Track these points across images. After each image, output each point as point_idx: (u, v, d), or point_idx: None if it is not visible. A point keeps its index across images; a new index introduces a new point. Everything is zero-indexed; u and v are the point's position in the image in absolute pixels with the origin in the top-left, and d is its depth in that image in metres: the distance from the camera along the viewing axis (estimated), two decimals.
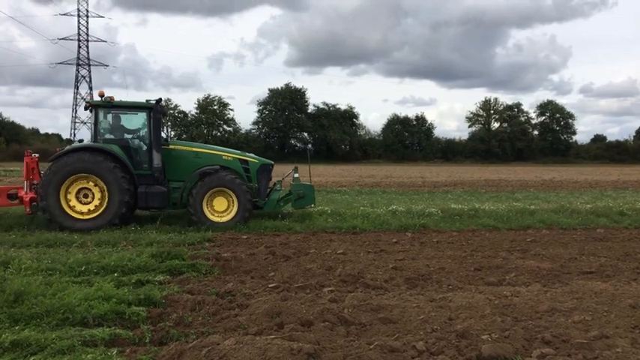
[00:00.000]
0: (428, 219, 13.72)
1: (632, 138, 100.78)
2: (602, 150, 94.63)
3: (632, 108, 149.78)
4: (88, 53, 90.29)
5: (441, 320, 5.55)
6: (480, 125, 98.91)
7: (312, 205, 14.39)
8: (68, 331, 5.09)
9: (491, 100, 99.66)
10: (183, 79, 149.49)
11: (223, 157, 13.52)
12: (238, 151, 14.48)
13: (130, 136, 13.13)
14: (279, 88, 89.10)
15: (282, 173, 15.47)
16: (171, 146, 13.27)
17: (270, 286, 7.06)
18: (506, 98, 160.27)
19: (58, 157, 11.95)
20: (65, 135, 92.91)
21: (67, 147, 12.61)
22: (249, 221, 12.73)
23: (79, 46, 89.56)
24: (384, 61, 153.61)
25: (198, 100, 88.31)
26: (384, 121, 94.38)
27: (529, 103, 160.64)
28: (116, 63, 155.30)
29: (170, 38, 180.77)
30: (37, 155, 12.94)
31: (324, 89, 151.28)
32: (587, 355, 4.65)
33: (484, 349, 4.69)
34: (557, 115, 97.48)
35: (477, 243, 10.95)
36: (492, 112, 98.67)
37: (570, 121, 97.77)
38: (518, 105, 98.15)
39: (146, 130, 12.97)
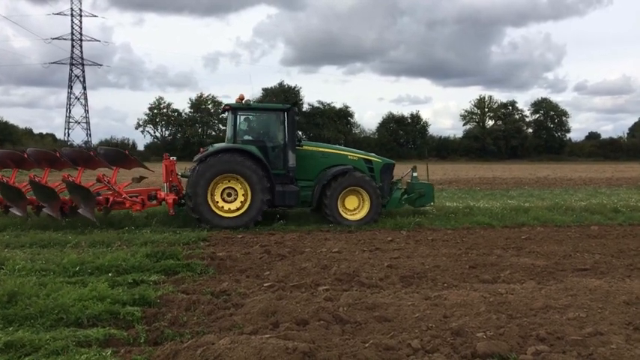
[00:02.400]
0: (423, 217, 13.75)
1: (626, 135, 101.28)
2: (596, 147, 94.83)
3: (626, 105, 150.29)
4: (81, 53, 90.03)
5: (436, 318, 5.56)
6: (475, 123, 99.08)
7: (432, 204, 14.82)
8: (62, 332, 5.07)
9: (486, 98, 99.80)
10: (179, 79, 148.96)
11: (349, 156, 14.03)
12: (362, 151, 14.91)
13: (266, 137, 13.68)
14: (273, 87, 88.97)
15: (401, 172, 15.64)
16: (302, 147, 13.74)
17: (265, 285, 7.05)
18: (501, 96, 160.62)
19: (204, 159, 12.45)
20: (59, 135, 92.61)
21: (212, 148, 13.11)
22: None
23: (73, 46, 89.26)
24: (379, 59, 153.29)
25: (191, 100, 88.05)
26: (380, 119, 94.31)
27: (524, 101, 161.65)
28: (111, 62, 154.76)
29: (166, 38, 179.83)
30: (174, 158, 13.45)
31: (320, 88, 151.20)
32: (582, 351, 4.66)
33: (479, 346, 4.70)
34: (552, 113, 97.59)
35: (471, 241, 10.97)
36: (487, 110, 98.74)
37: (564, 118, 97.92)
38: (512, 103, 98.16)
39: (281, 131, 13.44)
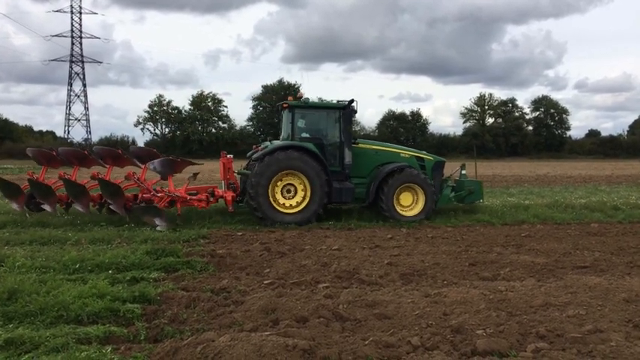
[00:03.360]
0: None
1: (626, 133, 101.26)
2: (596, 145, 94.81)
3: (626, 103, 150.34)
4: (81, 50, 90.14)
5: (435, 315, 5.56)
6: (475, 121, 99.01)
7: (481, 201, 14.97)
8: (62, 329, 5.06)
9: (486, 95, 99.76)
10: (180, 76, 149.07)
11: (401, 154, 14.32)
12: (413, 149, 15.10)
13: (322, 135, 13.84)
14: (272, 84, 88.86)
15: (450, 170, 15.69)
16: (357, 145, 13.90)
17: (265, 282, 7.05)
18: (501, 94, 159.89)
19: (264, 156, 12.64)
20: (59, 133, 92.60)
21: (271, 146, 13.23)
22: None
23: (73, 43, 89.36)
24: (380, 57, 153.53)
25: (192, 97, 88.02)
26: (380, 117, 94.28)
27: (524, 98, 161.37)
28: (112, 60, 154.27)
29: (167, 35, 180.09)
30: (231, 156, 13.63)
31: (321, 85, 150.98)
32: (582, 349, 4.67)
33: (479, 343, 4.71)
34: (552, 111, 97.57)
35: (471, 238, 10.97)
36: (487, 107, 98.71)
37: (565, 116, 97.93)
38: (512, 100, 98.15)
39: (337, 128, 13.63)
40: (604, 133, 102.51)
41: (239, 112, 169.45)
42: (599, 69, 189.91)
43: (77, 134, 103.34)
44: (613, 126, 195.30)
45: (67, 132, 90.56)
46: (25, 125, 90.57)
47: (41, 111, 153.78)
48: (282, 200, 12.77)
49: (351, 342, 4.79)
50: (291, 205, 12.78)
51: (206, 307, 5.94)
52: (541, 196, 19.17)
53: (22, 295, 5.80)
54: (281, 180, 12.75)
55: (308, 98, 13.79)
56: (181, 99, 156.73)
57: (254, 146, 14.39)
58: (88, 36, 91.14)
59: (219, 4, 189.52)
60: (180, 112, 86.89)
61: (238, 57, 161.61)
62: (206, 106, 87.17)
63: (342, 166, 13.42)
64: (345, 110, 13.52)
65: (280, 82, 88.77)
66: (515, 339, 4.91)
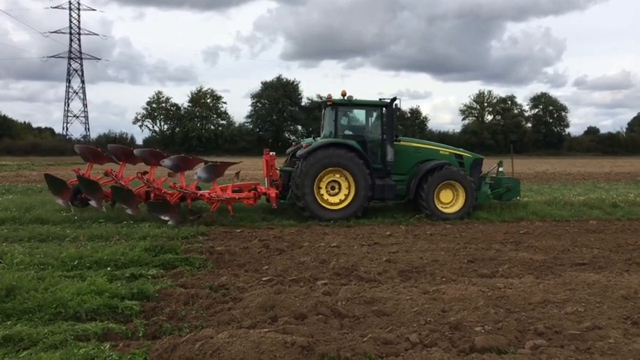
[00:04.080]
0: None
1: (625, 130, 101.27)
2: (595, 142, 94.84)
3: (625, 100, 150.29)
4: (79, 46, 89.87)
5: (434, 312, 5.56)
6: (474, 118, 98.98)
7: (518, 198, 15.11)
8: (60, 326, 5.06)
9: (485, 92, 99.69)
10: (179, 73, 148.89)
11: (440, 151, 14.52)
12: (452, 147, 15.24)
13: (365, 132, 14.08)
14: (272, 80, 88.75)
15: (488, 167, 15.83)
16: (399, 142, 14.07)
17: (263, 279, 7.05)
18: (500, 91, 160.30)
19: (310, 153, 12.85)
20: (58, 129, 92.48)
21: (316, 143, 13.37)
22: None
23: (71, 40, 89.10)
24: (380, 54, 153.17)
25: (191, 93, 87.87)
26: None
27: (524, 95, 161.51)
28: (111, 57, 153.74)
29: (166, 32, 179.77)
30: (274, 153, 13.81)
31: (320, 82, 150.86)
32: (580, 345, 4.67)
33: (477, 340, 4.71)
34: (551, 108, 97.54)
35: (470, 235, 10.98)
36: (486, 104, 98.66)
37: (563, 113, 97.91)
38: (511, 97, 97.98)
39: (379, 125, 13.86)
40: (603, 131, 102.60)
41: (238, 109, 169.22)
42: (598, 66, 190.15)
43: (75, 131, 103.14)
44: (612, 123, 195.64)
45: (65, 129, 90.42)
46: (24, 122, 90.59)
47: (40, 108, 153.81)
48: (326, 197, 13.00)
49: (350, 339, 4.79)
50: (334, 201, 13.00)
51: (204, 303, 5.94)
52: (540, 193, 19.19)
53: (21, 292, 5.79)
54: (326, 177, 12.97)
55: (352, 96, 13.94)
56: (180, 96, 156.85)
57: (293, 143, 14.61)
58: (87, 32, 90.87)
59: (218, 0, 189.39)
60: (178, 108, 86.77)
61: (237, 54, 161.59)
62: (205, 103, 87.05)
63: (383, 163, 13.61)
64: (388, 108, 13.65)
65: (279, 78, 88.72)
66: (513, 336, 4.91)
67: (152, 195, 12.68)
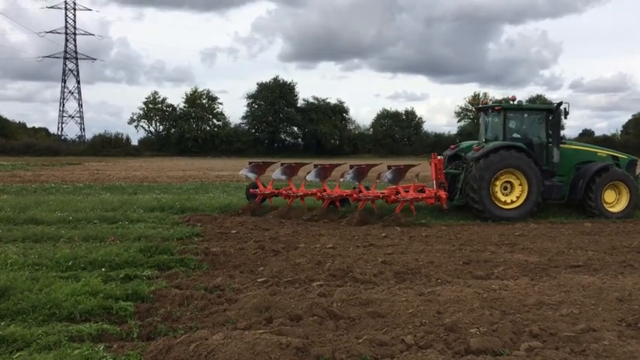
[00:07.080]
0: (418, 214, 13.74)
1: (620, 132, 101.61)
2: (590, 144, 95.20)
3: (620, 103, 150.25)
4: (75, 47, 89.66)
5: (429, 314, 5.56)
6: (469, 120, 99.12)
7: None
8: (55, 327, 5.04)
9: (481, 94, 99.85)
10: (176, 74, 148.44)
11: (598, 153, 15.01)
12: (606, 148, 15.81)
13: (531, 135, 14.47)
14: (268, 82, 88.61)
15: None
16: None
17: (259, 280, 7.03)
18: (497, 93, 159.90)
19: (486, 155, 13.35)
20: (53, 129, 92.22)
21: (490, 146, 13.76)
22: None
23: (67, 40, 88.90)
24: (377, 56, 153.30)
25: (186, 94, 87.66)
26: (375, 115, 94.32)
27: (520, 97, 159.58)
28: (108, 57, 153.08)
29: (164, 32, 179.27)
30: (442, 157, 14.65)
31: (317, 84, 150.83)
32: (575, 348, 4.68)
33: (472, 342, 4.71)
34: None
35: (465, 237, 10.98)
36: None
37: None
38: (507, 100, 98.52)
39: (544, 128, 14.35)
40: (598, 133, 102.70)
41: (235, 110, 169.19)
42: (594, 69, 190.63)
43: (71, 131, 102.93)
44: (607, 126, 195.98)
45: (60, 129, 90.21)
46: (19, 122, 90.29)
47: (36, 108, 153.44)
48: (500, 196, 13.46)
49: (345, 340, 4.78)
50: (507, 201, 13.50)
51: (199, 305, 5.92)
52: None
53: (15, 293, 5.76)
54: (500, 177, 13.45)
55: (521, 101, 14.53)
56: (177, 96, 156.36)
57: (451, 146, 15.28)
58: (82, 33, 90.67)
59: (217, 1, 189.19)
60: (174, 109, 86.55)
61: (235, 55, 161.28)
62: (200, 104, 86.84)
63: (550, 164, 14.05)
64: (556, 111, 14.14)
65: (276, 79, 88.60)
66: (508, 338, 4.92)
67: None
